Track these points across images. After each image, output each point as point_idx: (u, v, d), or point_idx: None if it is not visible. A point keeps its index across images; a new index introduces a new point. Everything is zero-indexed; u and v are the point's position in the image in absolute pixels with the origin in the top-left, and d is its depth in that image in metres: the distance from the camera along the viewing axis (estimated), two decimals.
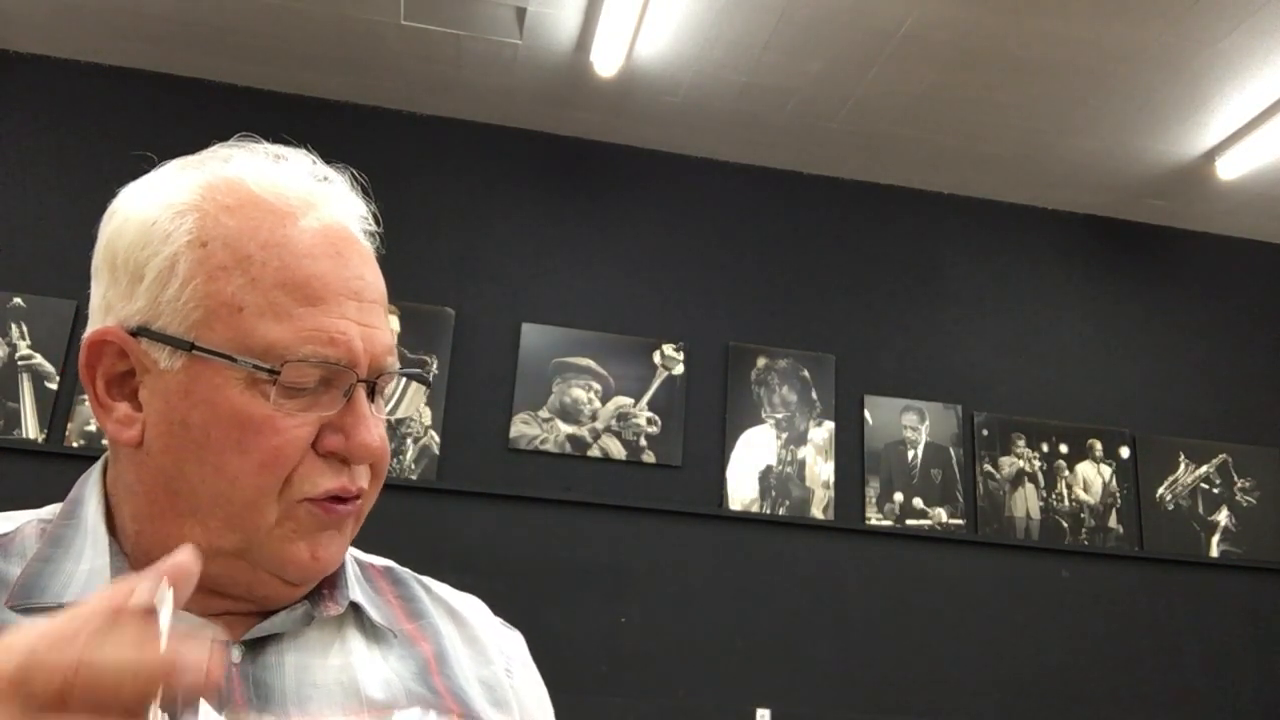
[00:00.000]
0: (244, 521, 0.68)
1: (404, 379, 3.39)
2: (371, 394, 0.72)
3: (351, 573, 0.79)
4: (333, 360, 0.68)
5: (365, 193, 0.81)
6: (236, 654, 0.68)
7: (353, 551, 0.83)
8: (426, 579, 0.86)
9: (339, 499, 0.70)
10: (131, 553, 0.70)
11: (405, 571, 0.85)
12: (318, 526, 0.70)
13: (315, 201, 0.73)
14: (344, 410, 0.69)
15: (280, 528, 0.69)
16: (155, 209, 0.70)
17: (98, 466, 0.74)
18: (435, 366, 3.42)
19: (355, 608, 0.75)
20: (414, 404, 3.40)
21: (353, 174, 0.80)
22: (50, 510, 0.73)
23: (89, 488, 0.73)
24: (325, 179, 0.76)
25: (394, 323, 3.42)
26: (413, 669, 0.74)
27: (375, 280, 0.74)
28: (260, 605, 0.71)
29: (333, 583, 0.76)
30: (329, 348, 0.68)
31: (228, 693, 0.66)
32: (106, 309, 0.70)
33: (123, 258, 0.70)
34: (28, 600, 0.66)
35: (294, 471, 0.68)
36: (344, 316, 0.69)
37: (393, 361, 0.73)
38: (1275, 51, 3.12)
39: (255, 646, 0.69)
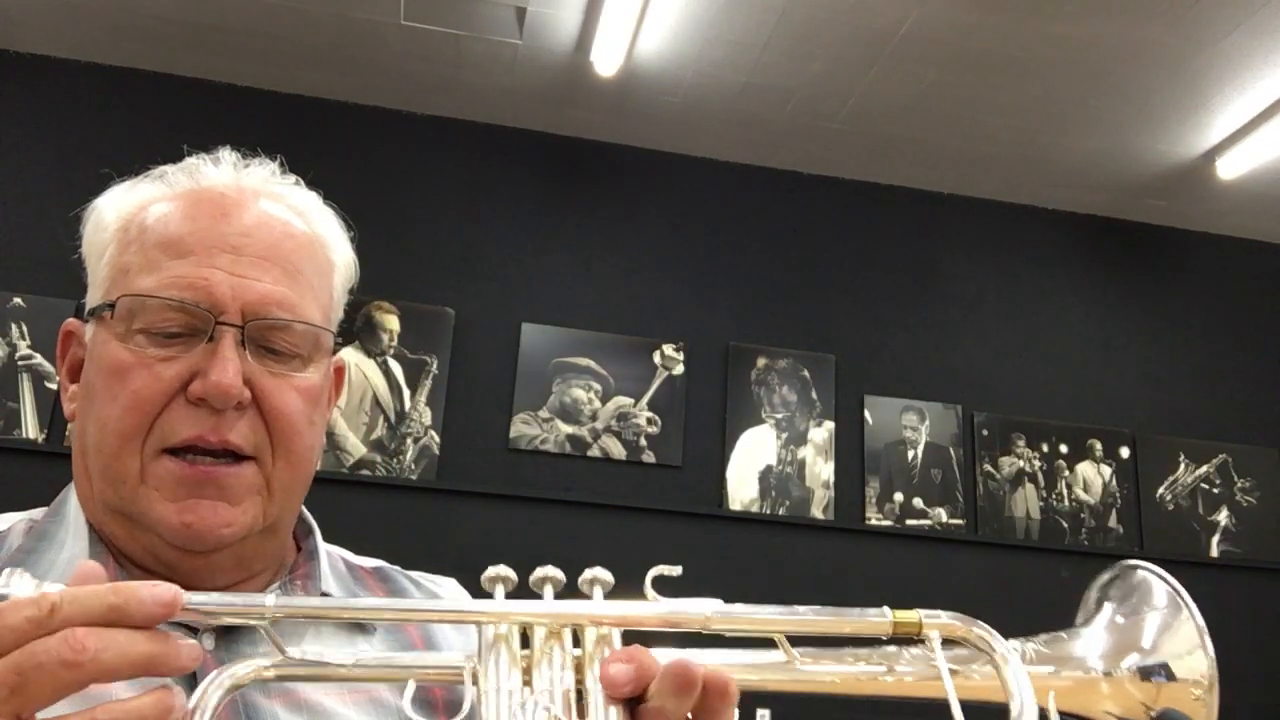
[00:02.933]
0: (113, 471, 0.69)
1: (408, 372, 3.39)
2: (247, 344, 0.71)
3: (327, 567, 0.80)
4: (190, 302, 0.70)
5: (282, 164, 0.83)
6: (209, 641, 0.68)
7: (342, 553, 0.86)
8: (415, 574, 0.87)
9: (199, 450, 0.69)
10: (103, 535, 0.72)
11: (394, 569, 0.86)
12: (182, 487, 0.68)
13: (232, 182, 0.77)
14: (206, 353, 0.70)
15: (145, 484, 0.69)
16: (104, 210, 0.78)
17: None
18: (435, 366, 3.42)
19: None
20: (421, 396, 3.40)
21: (282, 161, 0.82)
22: (41, 511, 0.76)
23: (72, 484, 0.76)
24: (249, 165, 0.80)
25: (393, 322, 3.42)
26: (395, 647, 0.76)
27: (274, 244, 0.74)
28: (186, 581, 0.67)
29: (306, 573, 0.77)
30: (186, 291, 0.70)
31: (201, 678, 0.65)
32: (86, 306, 0.78)
33: (83, 254, 0.78)
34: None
35: (157, 419, 0.69)
36: (213, 266, 0.71)
37: (279, 312, 0.72)
38: (1275, 51, 3.12)
39: (228, 635, 0.69)
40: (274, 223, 0.76)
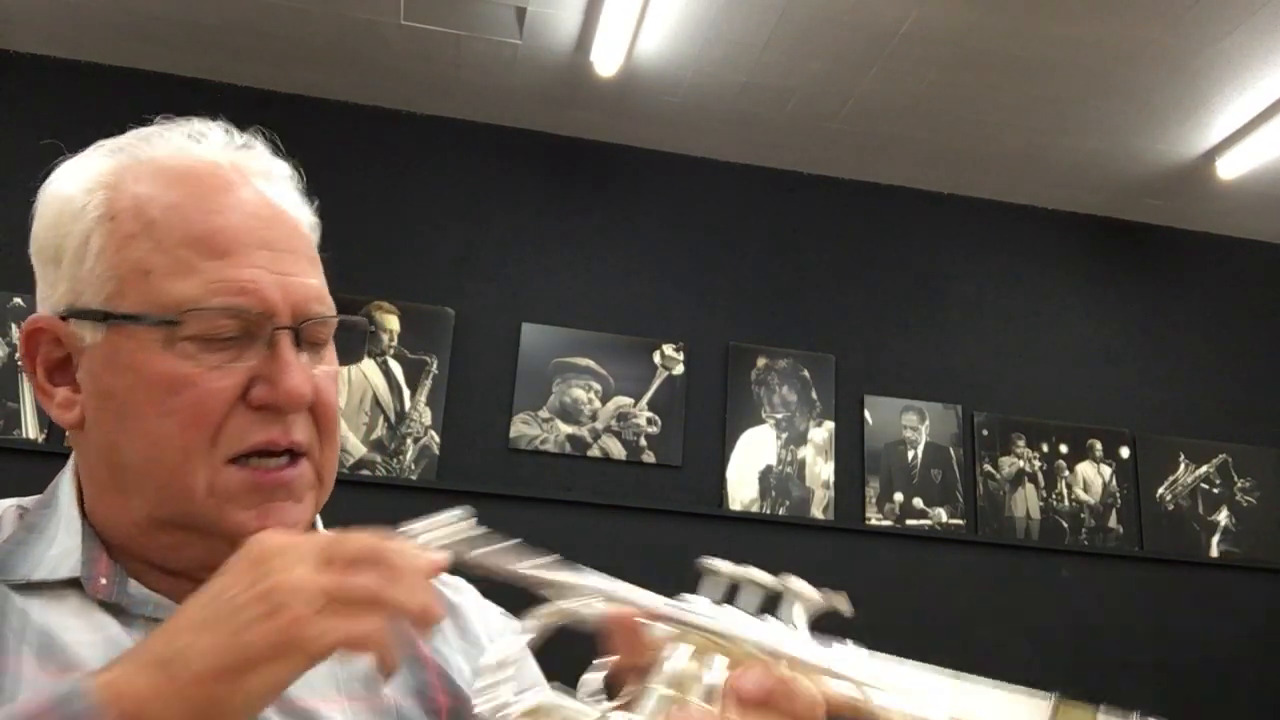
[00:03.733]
0: (176, 487, 0.66)
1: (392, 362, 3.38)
2: (301, 343, 0.70)
3: None
4: (245, 309, 0.67)
5: (276, 144, 0.80)
6: None
7: None
8: None
9: (269, 454, 0.68)
10: (101, 534, 0.70)
11: None
12: (257, 494, 0.68)
13: (224, 163, 0.73)
14: (267, 359, 0.68)
15: (215, 495, 0.67)
16: (68, 189, 0.72)
17: (73, 456, 0.75)
18: (435, 366, 3.42)
19: None
20: (420, 392, 3.40)
21: (273, 141, 0.78)
22: (32, 499, 0.74)
23: (64, 476, 0.74)
24: (243, 146, 0.76)
25: (393, 322, 3.42)
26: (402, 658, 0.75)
27: (291, 231, 0.73)
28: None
29: None
30: (239, 297, 0.67)
31: None
32: (42, 299, 0.73)
33: (41, 242, 0.73)
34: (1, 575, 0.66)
35: (221, 429, 0.66)
36: (254, 265, 0.68)
37: (321, 308, 0.71)
38: (1275, 51, 3.12)
39: None
40: (283, 207, 0.73)
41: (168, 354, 0.66)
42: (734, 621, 0.60)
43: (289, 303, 0.69)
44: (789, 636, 0.60)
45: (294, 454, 0.70)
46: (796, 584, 0.64)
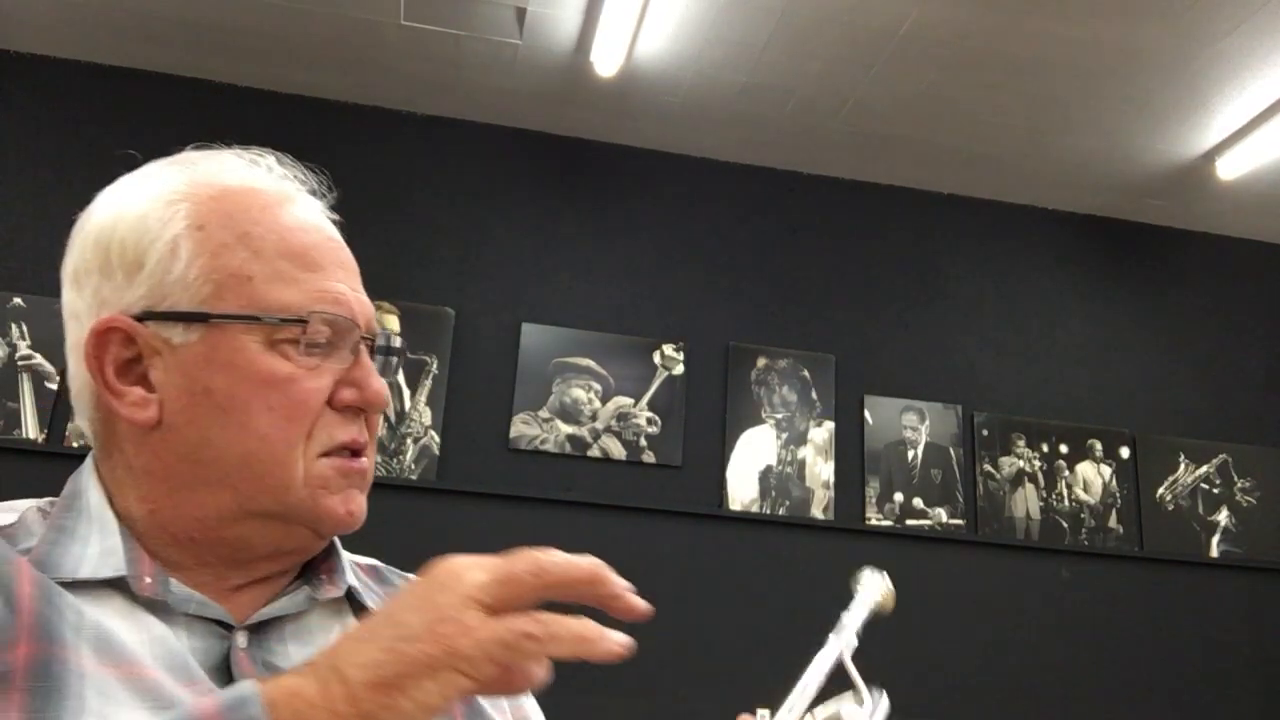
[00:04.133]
0: (275, 479, 0.71)
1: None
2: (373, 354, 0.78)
3: (347, 562, 0.81)
4: (341, 317, 0.74)
5: (320, 177, 0.86)
6: (242, 640, 0.69)
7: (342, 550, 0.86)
8: (411, 575, 0.87)
9: (352, 452, 0.75)
10: (144, 534, 0.71)
11: (389, 569, 0.87)
12: (345, 480, 0.74)
13: (288, 192, 0.79)
14: (353, 365, 0.75)
15: (308, 485, 0.72)
16: (145, 203, 0.74)
17: (89, 462, 0.75)
18: (435, 366, 3.42)
19: (349, 597, 0.77)
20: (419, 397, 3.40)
21: (317, 174, 0.84)
22: (47, 501, 0.74)
23: (86, 480, 0.74)
24: (287, 178, 0.81)
25: (393, 322, 3.42)
26: None
27: (348, 254, 0.80)
28: (281, 563, 0.75)
29: (331, 567, 0.79)
30: (335, 306, 0.74)
31: (238, 677, 0.67)
32: (100, 304, 0.73)
33: (117, 251, 0.73)
34: (43, 572, 0.66)
35: (314, 426, 0.72)
36: (339, 281, 0.76)
37: (376, 325, 0.80)
38: (1275, 51, 3.12)
39: (258, 631, 0.71)
40: (335, 232, 0.81)
41: (271, 354, 0.72)
42: None
43: (364, 317, 0.77)
44: None
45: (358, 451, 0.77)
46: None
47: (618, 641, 0.57)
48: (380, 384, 0.76)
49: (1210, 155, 3.62)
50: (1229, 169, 3.61)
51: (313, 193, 0.82)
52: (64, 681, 0.59)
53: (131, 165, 0.80)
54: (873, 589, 0.66)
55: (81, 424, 0.76)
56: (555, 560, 0.57)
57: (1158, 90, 3.33)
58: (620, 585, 0.60)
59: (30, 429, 3.16)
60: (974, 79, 3.32)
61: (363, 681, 0.52)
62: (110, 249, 0.73)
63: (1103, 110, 3.45)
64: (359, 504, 0.75)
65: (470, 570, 0.55)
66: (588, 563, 0.59)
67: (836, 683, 0.64)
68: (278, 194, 0.77)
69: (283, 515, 0.72)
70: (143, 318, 0.71)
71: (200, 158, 0.78)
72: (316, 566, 0.79)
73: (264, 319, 0.71)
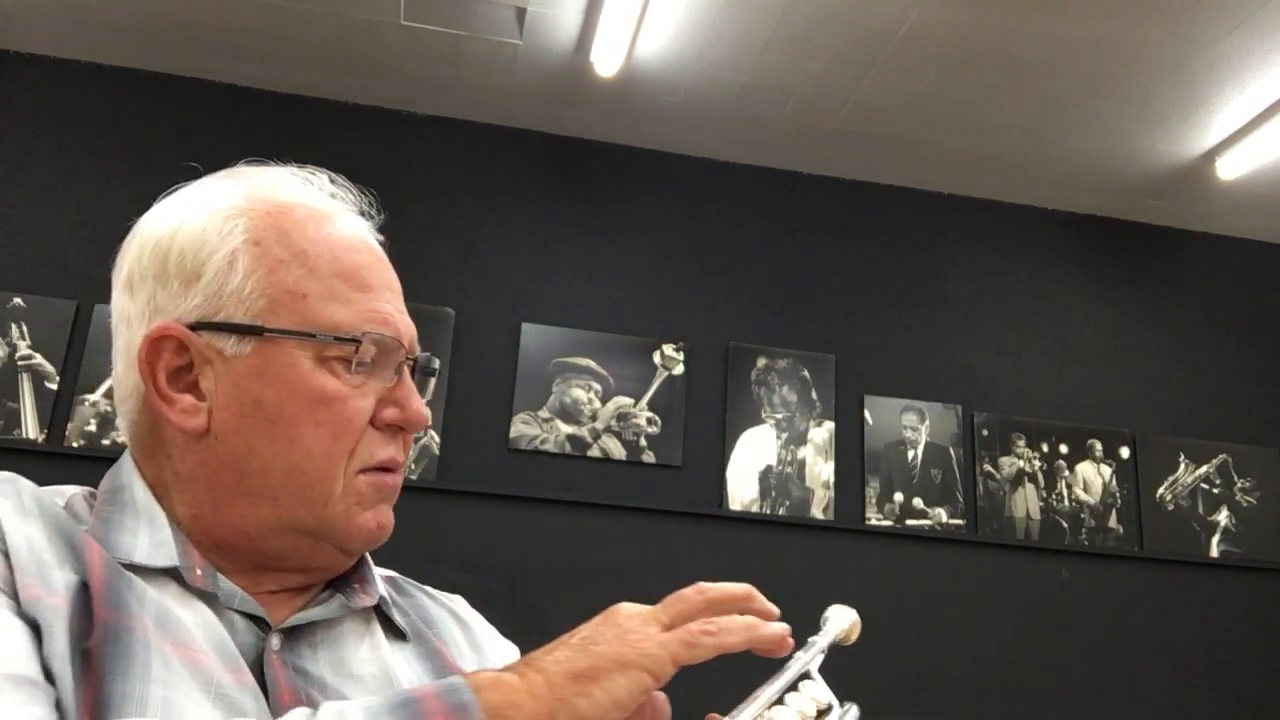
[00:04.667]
0: (316, 493, 0.73)
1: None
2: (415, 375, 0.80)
3: (376, 573, 0.83)
4: (389, 338, 0.76)
5: (368, 198, 0.90)
6: (276, 642, 0.70)
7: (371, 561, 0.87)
8: (427, 587, 0.90)
9: (388, 470, 0.76)
10: (188, 535, 0.73)
11: (408, 581, 0.89)
12: (377, 495, 0.75)
13: (339, 210, 0.82)
14: (396, 385, 0.77)
15: (344, 500, 0.74)
16: (204, 216, 0.76)
17: (129, 460, 0.76)
18: (435, 367, 3.42)
19: (378, 609, 0.79)
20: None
21: (366, 194, 0.89)
22: (87, 491, 0.76)
23: (128, 475, 0.75)
24: (337, 196, 0.84)
25: None
26: (430, 668, 0.78)
27: (394, 275, 0.84)
28: (310, 577, 0.76)
29: (363, 577, 0.80)
30: (384, 327, 0.76)
31: (273, 680, 0.67)
32: (154, 311, 0.74)
33: (175, 260, 0.74)
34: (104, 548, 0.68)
35: (357, 444, 0.74)
36: (386, 303, 0.78)
37: (418, 350, 0.81)
38: (1275, 51, 3.12)
39: (290, 635, 0.71)
40: (383, 253, 0.84)
41: (321, 371, 0.73)
42: None
43: (409, 337, 0.79)
44: None
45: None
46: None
47: (782, 626, 0.64)
48: (421, 405, 0.78)
49: (1210, 155, 3.62)
50: (1229, 169, 3.61)
51: (361, 214, 0.85)
52: (131, 649, 0.60)
53: (168, 171, 0.81)
54: (841, 619, 0.76)
55: (122, 425, 0.77)
56: (715, 585, 0.65)
57: (1158, 90, 3.33)
58: (770, 606, 0.66)
59: (30, 429, 3.16)
60: (974, 79, 3.32)
61: (560, 672, 0.59)
62: (169, 258, 0.74)
63: (1103, 110, 3.45)
64: (388, 518, 0.77)
65: (642, 606, 0.63)
66: (742, 586, 0.66)
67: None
68: (330, 212, 0.79)
69: (315, 531, 0.73)
70: (196, 327, 0.73)
71: (256, 173, 0.80)
72: (349, 576, 0.80)
73: (319, 336, 0.73)
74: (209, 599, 0.69)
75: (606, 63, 3.27)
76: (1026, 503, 3.69)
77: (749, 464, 3.54)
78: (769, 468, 3.55)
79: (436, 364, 0.84)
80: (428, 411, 0.79)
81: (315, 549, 0.74)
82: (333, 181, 0.84)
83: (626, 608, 0.63)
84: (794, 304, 3.78)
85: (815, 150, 3.79)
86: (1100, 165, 3.76)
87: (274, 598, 0.74)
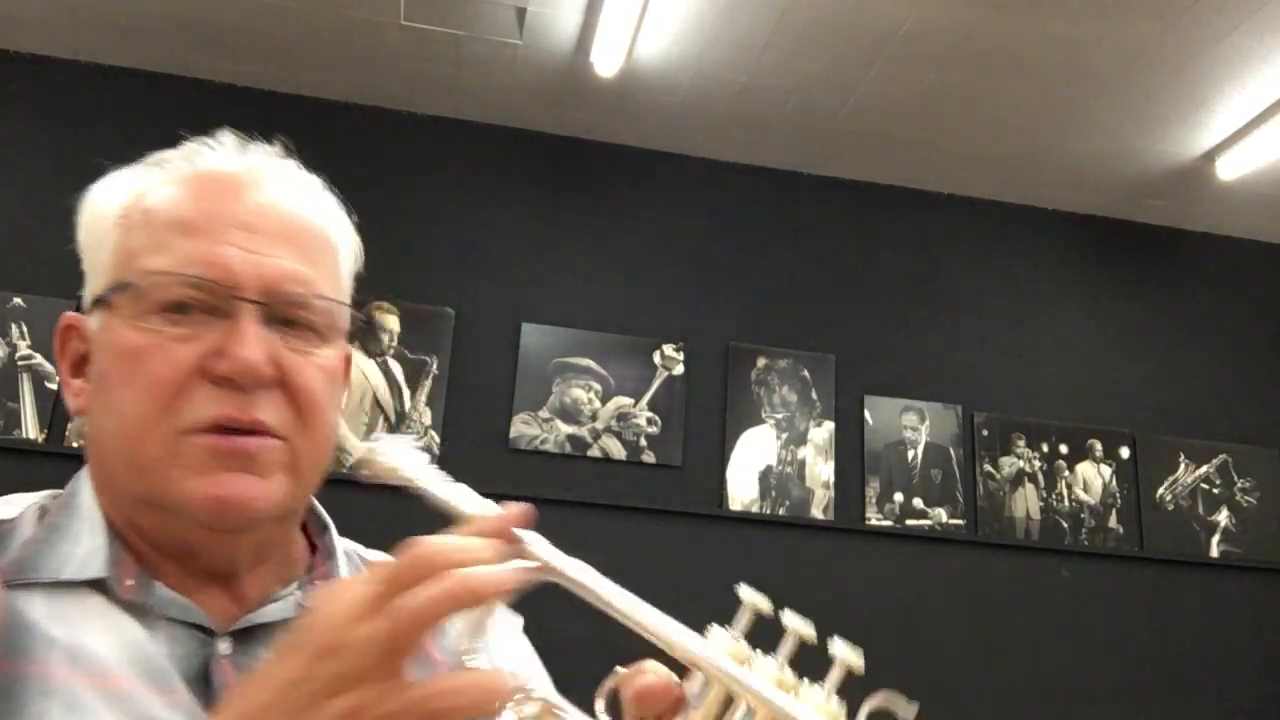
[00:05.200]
0: (136, 458, 0.67)
1: (414, 370, 3.37)
2: (272, 321, 0.70)
3: (344, 563, 0.78)
4: (207, 279, 0.68)
5: (345, 187, 0.83)
6: (225, 646, 0.67)
7: (356, 548, 0.84)
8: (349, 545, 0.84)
9: (231, 430, 0.67)
10: (124, 535, 0.70)
11: None
12: (214, 461, 0.66)
13: (240, 169, 0.75)
14: (225, 330, 0.68)
15: (171, 464, 0.66)
16: (100, 199, 0.76)
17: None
18: (435, 366, 3.42)
19: None
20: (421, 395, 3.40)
21: (286, 148, 0.81)
22: (49, 495, 0.74)
23: (83, 477, 0.73)
24: (273, 155, 0.79)
25: (393, 322, 3.42)
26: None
27: (292, 225, 0.73)
28: (213, 564, 0.70)
29: (325, 573, 0.75)
30: (205, 268, 0.68)
31: (223, 687, 0.65)
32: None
33: (81, 250, 0.75)
34: (22, 576, 0.65)
35: (179, 399, 0.67)
36: (228, 244, 0.69)
37: (298, 290, 0.71)
38: (1275, 51, 3.12)
39: (243, 638, 0.69)
40: (285, 202, 0.74)
41: (136, 327, 0.68)
42: (766, 684, 0.56)
43: (258, 278, 0.69)
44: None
45: (263, 435, 0.69)
46: (841, 649, 0.60)
47: (488, 574, 0.52)
48: (249, 350, 0.67)
49: (1210, 155, 3.62)
50: (1229, 169, 3.61)
51: (290, 176, 0.78)
52: (24, 700, 0.58)
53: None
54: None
55: None
56: (426, 542, 0.53)
57: (1158, 90, 3.33)
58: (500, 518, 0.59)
59: (30, 429, 3.16)
60: (974, 79, 3.32)
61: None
62: (81, 250, 0.75)
63: (1103, 110, 3.45)
64: (238, 489, 0.67)
65: (342, 597, 0.52)
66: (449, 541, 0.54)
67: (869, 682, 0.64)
68: (221, 173, 0.74)
69: (154, 502, 0.67)
70: (87, 311, 0.73)
71: (162, 153, 0.78)
72: (312, 571, 0.76)
73: (118, 289, 0.69)
74: (140, 611, 0.66)
75: (606, 63, 3.26)
76: (1026, 503, 3.69)
77: (749, 464, 3.54)
78: (769, 468, 3.55)
79: (318, 303, 0.72)
80: (256, 356, 0.67)
81: (177, 526, 0.68)
82: (244, 142, 0.78)
83: (328, 615, 0.51)
84: (794, 304, 3.78)
85: (815, 150, 3.79)
86: (1100, 165, 3.76)
87: (227, 597, 0.70)
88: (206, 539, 0.69)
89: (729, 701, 0.57)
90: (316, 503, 0.81)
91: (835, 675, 0.58)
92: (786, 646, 0.58)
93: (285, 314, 0.71)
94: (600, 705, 0.55)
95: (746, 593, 0.59)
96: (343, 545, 0.82)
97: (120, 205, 0.73)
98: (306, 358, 0.71)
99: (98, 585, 0.66)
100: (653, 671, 0.59)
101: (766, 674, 0.56)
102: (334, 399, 0.75)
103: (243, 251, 0.69)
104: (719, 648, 0.56)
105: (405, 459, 0.65)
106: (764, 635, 0.61)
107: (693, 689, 0.58)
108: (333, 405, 0.74)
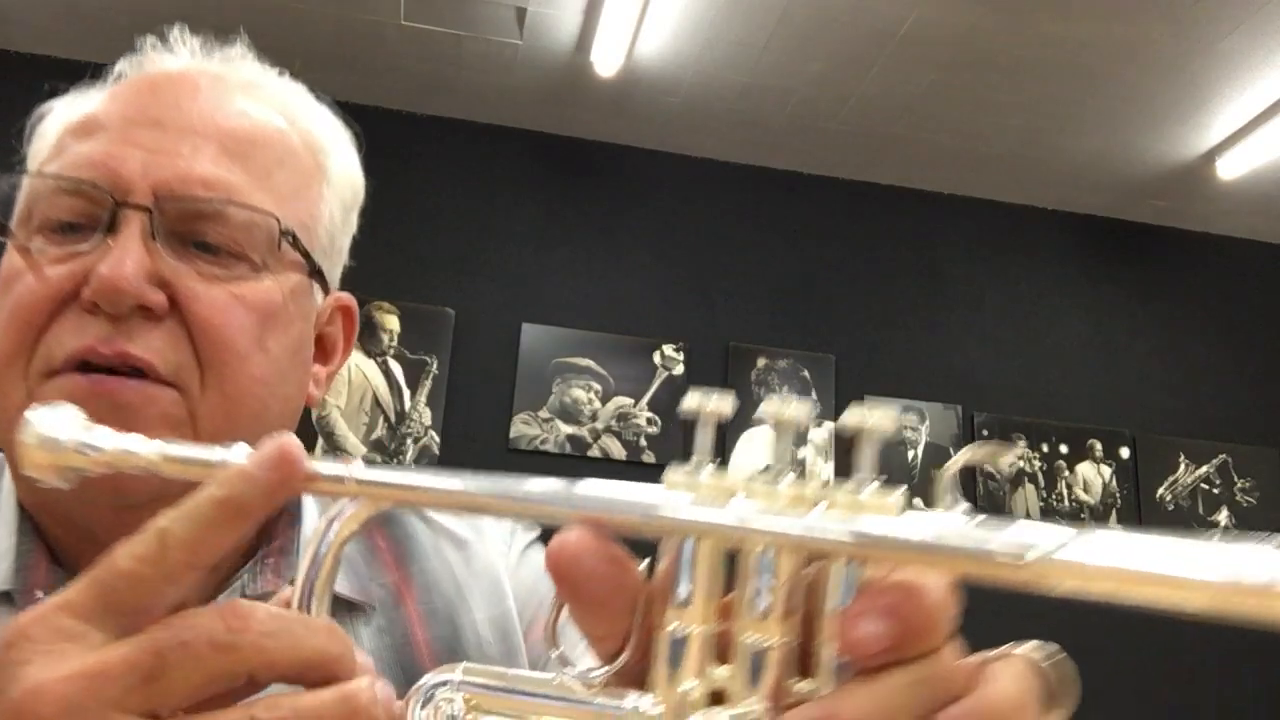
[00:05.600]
0: (2, 411, 0.53)
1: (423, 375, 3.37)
2: (160, 235, 0.55)
3: (306, 561, 0.59)
4: (84, 182, 0.54)
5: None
6: None
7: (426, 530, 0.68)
8: (432, 511, 0.67)
9: (94, 367, 0.52)
10: (42, 526, 0.57)
11: (419, 518, 0.68)
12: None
13: (180, 65, 0.64)
14: (104, 246, 0.54)
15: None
16: (48, 118, 0.67)
17: None
18: (435, 366, 3.42)
19: None
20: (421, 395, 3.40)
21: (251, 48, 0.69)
22: None
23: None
24: (218, 52, 0.66)
25: (393, 322, 3.42)
26: (391, 644, 0.60)
27: (214, 118, 0.59)
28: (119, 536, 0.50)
29: (283, 549, 0.60)
30: (83, 169, 0.56)
31: None
32: None
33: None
34: None
35: (44, 334, 0.53)
36: (126, 143, 0.57)
37: (203, 194, 0.56)
38: (1275, 52, 3.12)
39: None
40: (225, 103, 0.61)
41: (19, 250, 0.55)
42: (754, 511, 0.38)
43: (152, 179, 0.55)
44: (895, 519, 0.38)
45: (147, 380, 0.53)
46: (872, 414, 0.40)
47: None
48: (116, 265, 0.52)
49: (1210, 155, 3.62)
50: (1229, 169, 3.61)
51: (253, 80, 0.65)
52: None
53: None
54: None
55: None
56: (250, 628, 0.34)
57: (1158, 90, 3.33)
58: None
59: None
60: (974, 79, 3.32)
61: None
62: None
63: (1103, 110, 3.45)
64: None
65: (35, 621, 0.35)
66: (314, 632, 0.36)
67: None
68: (145, 75, 0.63)
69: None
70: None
71: (131, 60, 0.66)
72: (265, 550, 0.59)
73: (7, 216, 0.56)
74: None
75: (606, 63, 3.27)
76: (1026, 503, 3.69)
77: (749, 464, 3.54)
78: (768, 468, 3.55)
79: (235, 214, 0.56)
80: (125, 271, 0.52)
81: (60, 501, 0.52)
82: (210, 43, 0.65)
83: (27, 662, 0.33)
84: (794, 304, 3.78)
85: (815, 150, 3.79)
86: (1100, 165, 3.76)
87: None
88: (96, 516, 0.53)
89: (727, 556, 0.38)
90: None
91: (869, 452, 0.42)
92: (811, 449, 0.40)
93: (194, 229, 0.56)
94: (547, 635, 0.37)
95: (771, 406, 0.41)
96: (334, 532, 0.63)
97: (60, 124, 0.63)
98: (220, 285, 0.56)
99: (6, 598, 0.54)
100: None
101: (766, 498, 0.40)
102: (268, 343, 0.57)
103: (142, 151, 0.56)
104: (678, 491, 0.38)
105: (61, 423, 0.38)
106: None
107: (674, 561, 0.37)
108: (263, 350, 0.57)
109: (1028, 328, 3.93)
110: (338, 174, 0.67)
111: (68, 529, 0.55)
